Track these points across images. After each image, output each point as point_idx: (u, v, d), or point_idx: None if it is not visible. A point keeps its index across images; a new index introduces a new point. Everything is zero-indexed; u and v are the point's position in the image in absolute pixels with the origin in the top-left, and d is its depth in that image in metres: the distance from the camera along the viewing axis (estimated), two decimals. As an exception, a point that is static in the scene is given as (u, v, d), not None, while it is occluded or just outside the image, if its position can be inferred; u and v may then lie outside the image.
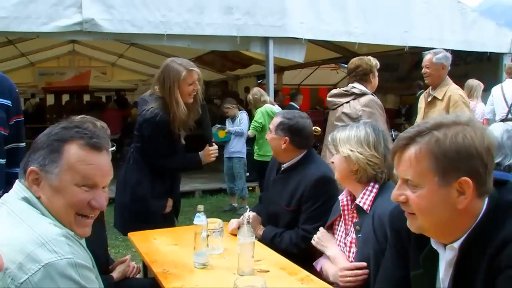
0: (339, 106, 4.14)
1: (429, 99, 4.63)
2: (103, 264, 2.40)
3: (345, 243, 2.38)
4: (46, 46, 12.63)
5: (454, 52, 8.53)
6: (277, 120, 2.96)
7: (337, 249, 2.38)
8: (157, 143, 3.14)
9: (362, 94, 4.02)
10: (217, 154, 3.35)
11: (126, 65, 16.17)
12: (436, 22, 8.06)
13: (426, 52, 4.70)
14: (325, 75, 15.10)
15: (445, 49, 7.92)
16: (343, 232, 2.43)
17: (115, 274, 2.48)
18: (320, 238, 2.46)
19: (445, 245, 1.47)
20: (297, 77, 14.98)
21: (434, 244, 1.50)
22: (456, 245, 1.42)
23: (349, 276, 2.16)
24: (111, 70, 17.01)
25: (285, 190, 2.87)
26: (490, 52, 8.62)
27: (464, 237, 1.41)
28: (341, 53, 10.64)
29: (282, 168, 2.97)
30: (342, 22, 7.44)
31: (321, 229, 2.50)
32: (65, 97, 16.25)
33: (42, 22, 5.79)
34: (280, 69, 12.37)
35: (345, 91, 4.14)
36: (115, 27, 6.08)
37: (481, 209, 1.40)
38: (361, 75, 4.12)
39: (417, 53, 10.09)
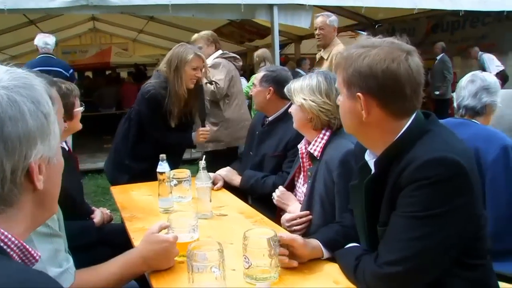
0: None
1: (317, 60, 4.95)
2: (84, 209, 2.63)
3: (303, 192, 2.49)
4: (67, 25, 12.82)
5: (469, 13, 8.42)
6: (260, 74, 3.11)
7: (297, 205, 2.47)
8: (146, 117, 3.38)
9: None
10: (207, 135, 3.50)
11: (147, 41, 16.30)
12: (448, -19, 7.81)
13: (318, 14, 4.89)
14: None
15: (459, 10, 7.89)
16: (302, 179, 2.54)
17: (96, 220, 2.66)
18: (280, 196, 2.55)
19: None
20: (316, 46, 14.85)
21: (366, 156, 1.64)
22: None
23: (294, 225, 2.30)
24: (132, 46, 17.20)
25: (271, 140, 3.01)
26: (508, 11, 8.30)
27: (380, 153, 1.53)
28: (357, 20, 10.52)
29: (268, 121, 3.10)
30: (347, -15, 7.35)
31: (280, 187, 2.59)
32: (89, 74, 16.62)
33: (50, -2, 5.98)
34: (298, 38, 12.27)
35: None
36: (121, 0, 6.20)
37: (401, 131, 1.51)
38: None
39: (433, 16, 9.92)
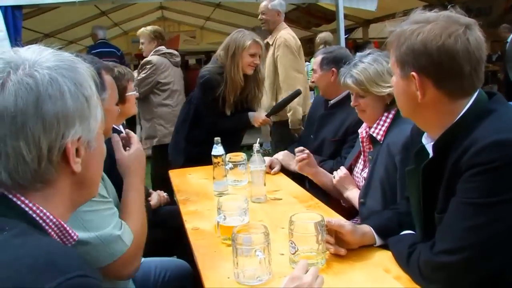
0: None
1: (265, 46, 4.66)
2: None
3: (363, 177, 2.39)
4: (136, 14, 13.21)
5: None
6: (318, 58, 2.99)
7: (356, 191, 2.38)
8: (199, 100, 3.39)
9: None
10: (262, 125, 3.48)
11: (214, 28, 16.46)
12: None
13: None
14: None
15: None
16: (361, 165, 2.44)
17: (152, 202, 2.72)
18: (342, 177, 2.45)
19: None
20: (385, 30, 14.37)
21: (423, 140, 1.55)
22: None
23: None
24: (200, 33, 17.36)
25: (331, 124, 2.92)
26: None
27: (438, 136, 1.43)
28: (429, 1, 10.03)
29: (329, 105, 3.01)
30: (419, -37, 7.02)
31: (343, 168, 2.49)
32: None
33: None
34: (365, 22, 11.91)
35: None
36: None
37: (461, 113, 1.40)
38: None
39: (514, -8, 9.23)
